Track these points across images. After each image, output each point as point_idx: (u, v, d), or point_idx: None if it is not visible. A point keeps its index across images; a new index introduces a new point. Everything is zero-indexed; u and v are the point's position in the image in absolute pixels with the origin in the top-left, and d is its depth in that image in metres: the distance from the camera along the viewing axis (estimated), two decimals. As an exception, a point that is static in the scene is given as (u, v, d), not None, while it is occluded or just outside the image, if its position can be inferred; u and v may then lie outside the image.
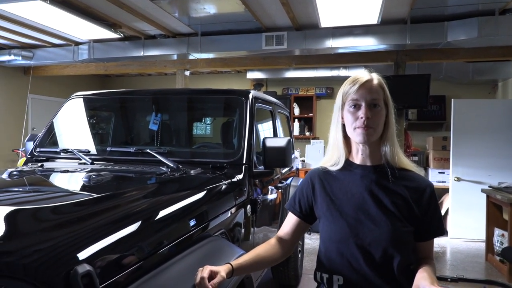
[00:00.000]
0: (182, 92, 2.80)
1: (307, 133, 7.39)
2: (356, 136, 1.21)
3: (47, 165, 2.27)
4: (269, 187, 2.75)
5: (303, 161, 6.59)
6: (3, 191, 1.42)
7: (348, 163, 1.29)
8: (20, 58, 5.93)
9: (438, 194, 6.04)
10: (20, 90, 6.72)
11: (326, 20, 4.22)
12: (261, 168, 2.33)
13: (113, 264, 1.05)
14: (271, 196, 2.74)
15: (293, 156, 3.97)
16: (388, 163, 1.23)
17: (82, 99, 2.74)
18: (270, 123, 3.07)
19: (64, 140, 2.62)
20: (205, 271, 1.11)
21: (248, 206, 2.12)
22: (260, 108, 2.68)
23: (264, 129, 3.04)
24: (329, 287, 1.23)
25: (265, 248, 1.31)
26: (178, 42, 5.32)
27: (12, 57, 5.95)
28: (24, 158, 2.59)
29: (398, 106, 4.70)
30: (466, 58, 5.15)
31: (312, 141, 6.82)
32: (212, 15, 4.55)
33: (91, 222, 1.12)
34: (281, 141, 2.25)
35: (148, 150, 2.23)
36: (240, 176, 2.12)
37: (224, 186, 1.92)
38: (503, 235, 4.22)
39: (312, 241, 5.01)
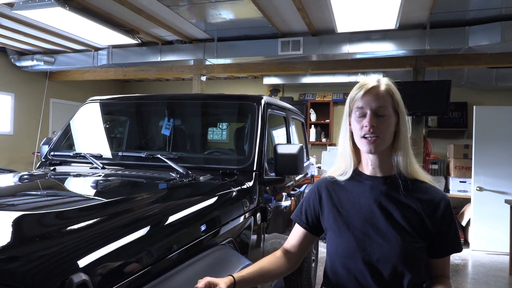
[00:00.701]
0: (194, 97, 2.79)
1: (324, 140, 7.30)
2: (362, 146, 1.15)
3: (60, 169, 2.29)
4: (282, 194, 2.70)
5: (319, 167, 6.51)
6: (9, 195, 1.43)
7: (357, 173, 1.23)
8: (42, 63, 6.09)
9: (459, 204, 5.93)
10: (42, 94, 6.90)
11: (343, 25, 4.16)
12: (272, 175, 2.28)
13: (112, 273, 1.03)
14: (283, 204, 2.69)
15: (307, 163, 3.91)
16: (401, 174, 1.16)
17: (96, 103, 2.77)
18: (284, 129, 3.02)
19: (78, 144, 2.65)
20: (201, 283, 1.06)
21: (258, 214, 2.08)
22: (273, 114, 2.64)
23: (277, 136, 2.99)
24: (335, 303, 1.17)
25: (270, 260, 1.26)
26: (195, 47, 5.35)
27: (35, 62, 6.12)
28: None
29: (416, 112, 4.55)
30: (489, 63, 4.98)
31: (328, 147, 6.73)
32: (228, 20, 4.56)
33: (91, 229, 1.10)
34: (293, 148, 2.21)
35: (158, 155, 2.22)
36: (250, 183, 2.08)
37: (233, 193, 1.89)
38: (528, 248, 4.03)
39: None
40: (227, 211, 1.74)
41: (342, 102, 7.39)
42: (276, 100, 2.83)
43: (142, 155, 2.32)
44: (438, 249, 1.15)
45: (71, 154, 2.47)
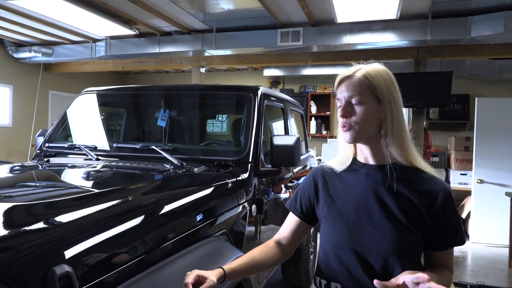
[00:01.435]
0: (190, 88, 2.75)
1: (324, 132, 7.26)
2: (340, 136, 1.15)
3: (54, 160, 2.27)
4: (279, 186, 2.67)
5: (319, 160, 6.48)
6: (-3, 186, 1.40)
7: (354, 162, 1.20)
8: (40, 55, 6.04)
9: (459, 196, 5.90)
10: (40, 86, 6.86)
11: (343, 15, 4.10)
12: (269, 167, 2.26)
13: (98, 265, 1.01)
14: (280, 196, 2.67)
15: (306, 155, 3.88)
16: (397, 163, 1.12)
17: (92, 94, 2.74)
18: (282, 121, 2.99)
19: (73, 136, 2.62)
20: (190, 277, 1.03)
21: (254, 206, 2.06)
22: (270, 105, 2.60)
23: (275, 128, 2.96)
24: (327, 294, 1.14)
25: (262, 250, 1.23)
26: (193, 38, 5.29)
27: (33, 53, 6.07)
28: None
29: (417, 104, 4.50)
30: (492, 54, 4.91)
31: (329, 140, 6.69)
32: (227, 11, 4.50)
33: (78, 220, 1.07)
34: (289, 139, 2.18)
35: (153, 147, 2.20)
36: (246, 175, 2.05)
37: (227, 185, 1.86)
38: (528, 241, 4.01)
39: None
40: (221, 203, 1.72)
41: (343, 94, 7.33)
42: (273, 91, 2.79)
43: (137, 147, 2.30)
44: (439, 242, 1.11)
45: (66, 145, 2.44)
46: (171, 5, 4.35)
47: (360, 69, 1.13)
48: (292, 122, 3.27)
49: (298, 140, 2.18)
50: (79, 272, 0.94)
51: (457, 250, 4.80)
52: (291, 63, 5.84)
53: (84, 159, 2.23)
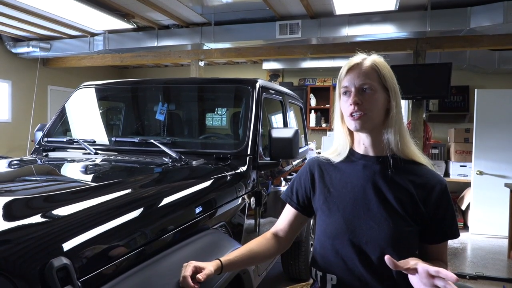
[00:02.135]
0: (189, 81, 2.75)
1: (324, 125, 7.25)
2: (349, 124, 1.12)
3: (53, 154, 2.28)
4: (279, 179, 2.68)
5: (319, 153, 6.48)
6: (-5, 180, 1.41)
7: (351, 153, 1.20)
8: (38, 49, 6.02)
9: (459, 188, 5.91)
10: (40, 81, 6.84)
11: (341, 7, 4.08)
12: (268, 159, 2.26)
13: (96, 257, 1.01)
14: (279, 189, 2.67)
15: (305, 148, 3.88)
16: (395, 154, 1.13)
17: (90, 88, 2.73)
18: (280, 114, 2.98)
19: (72, 130, 2.62)
20: (188, 269, 1.04)
21: (252, 199, 2.06)
22: (269, 98, 2.60)
23: (274, 120, 2.96)
24: (322, 286, 1.14)
25: (260, 242, 1.23)
26: (191, 32, 5.27)
27: (31, 48, 6.04)
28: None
29: (417, 96, 4.48)
30: (491, 45, 4.88)
31: (328, 132, 6.68)
32: (225, 3, 4.47)
33: (75, 213, 1.08)
34: (288, 132, 2.18)
35: (151, 140, 2.20)
36: (244, 168, 2.06)
37: (225, 178, 1.86)
38: (527, 232, 4.02)
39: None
40: (219, 195, 1.72)
41: (342, 87, 7.31)
42: (272, 84, 2.78)
43: (136, 140, 2.30)
44: (433, 235, 1.11)
45: (64, 140, 2.44)
46: (169, -2, 4.33)
47: (367, 58, 1.13)
48: (291, 115, 3.27)
49: (296, 132, 2.18)
50: (77, 264, 0.95)
51: (456, 241, 4.82)
52: (290, 56, 5.81)
53: (83, 153, 2.23)
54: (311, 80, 7.51)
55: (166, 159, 1.99)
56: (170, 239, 1.27)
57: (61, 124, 2.62)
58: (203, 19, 5.06)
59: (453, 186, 6.07)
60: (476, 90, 5.22)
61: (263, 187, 2.27)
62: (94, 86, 2.72)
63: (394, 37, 4.73)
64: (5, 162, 1.72)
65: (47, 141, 2.47)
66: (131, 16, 4.92)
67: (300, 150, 3.06)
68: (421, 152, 1.17)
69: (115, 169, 1.74)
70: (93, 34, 5.77)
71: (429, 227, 1.10)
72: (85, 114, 2.71)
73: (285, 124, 2.99)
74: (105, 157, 2.08)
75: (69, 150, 2.39)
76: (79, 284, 0.92)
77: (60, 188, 1.32)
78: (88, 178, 1.48)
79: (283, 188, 2.76)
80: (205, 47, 5.45)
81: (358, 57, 1.14)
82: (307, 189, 1.24)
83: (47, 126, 2.61)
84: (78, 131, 2.62)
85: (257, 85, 2.38)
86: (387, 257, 0.92)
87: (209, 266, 1.06)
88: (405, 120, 6.24)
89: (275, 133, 2.16)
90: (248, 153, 2.11)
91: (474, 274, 3.66)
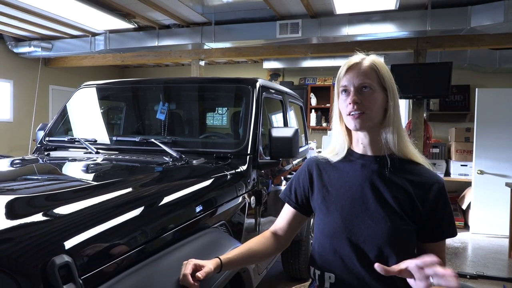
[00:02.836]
0: (189, 81, 2.76)
1: (324, 124, 7.25)
2: (348, 123, 1.13)
3: (54, 154, 2.29)
4: (279, 178, 2.69)
5: (319, 152, 6.49)
6: (-3, 179, 1.42)
7: (349, 152, 1.21)
8: (40, 49, 6.03)
9: (459, 187, 5.91)
10: (41, 81, 6.86)
11: (342, 6, 4.08)
12: (268, 159, 2.27)
13: (98, 255, 1.02)
14: (280, 188, 2.68)
15: (306, 147, 3.89)
16: (393, 154, 1.14)
17: (91, 88, 2.74)
18: (281, 113, 2.99)
19: (73, 129, 2.64)
20: (188, 267, 1.05)
21: (252, 198, 2.07)
22: (269, 97, 2.61)
23: (274, 120, 2.97)
24: (321, 284, 1.15)
25: (259, 241, 1.24)
26: (192, 31, 5.28)
27: (32, 48, 6.06)
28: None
29: (417, 95, 4.48)
30: (492, 45, 4.88)
31: (329, 132, 6.68)
32: (225, 3, 4.48)
33: (76, 211, 1.09)
34: (288, 131, 2.19)
35: (152, 140, 2.21)
36: (244, 167, 2.07)
37: (226, 177, 1.87)
38: (527, 231, 4.02)
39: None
40: (219, 194, 1.73)
41: (343, 86, 7.31)
42: (272, 84, 2.80)
43: (137, 140, 2.31)
44: (431, 234, 1.12)
45: (66, 139, 2.46)
46: (170, -2, 4.34)
47: (366, 58, 1.14)
48: (291, 114, 3.28)
49: (296, 131, 2.19)
50: (79, 262, 0.96)
51: (457, 240, 4.82)
52: (290, 55, 5.82)
53: (84, 153, 2.25)
54: (312, 79, 7.52)
55: (167, 158, 2.00)
56: (171, 237, 1.28)
57: (63, 123, 2.64)
58: (203, 18, 5.07)
59: (453, 185, 6.07)
60: (476, 89, 5.21)
61: (263, 186, 2.28)
62: (95, 85, 2.73)
63: (395, 37, 4.73)
64: (7, 161, 1.73)
65: (49, 141, 2.48)
66: (132, 16, 4.93)
67: (300, 150, 3.08)
68: (419, 151, 1.18)
69: (116, 168, 1.76)
70: (94, 34, 5.79)
71: (426, 225, 1.11)
72: (86, 113, 2.72)
73: (285, 124, 3.00)
74: (106, 156, 2.10)
75: (70, 149, 2.40)
76: (81, 281, 0.93)
77: (61, 187, 1.33)
78: (90, 177, 1.50)
79: (283, 187, 2.77)
80: (205, 47, 5.46)
81: (357, 57, 1.15)
82: (306, 188, 1.25)
83: (48, 125, 2.63)
84: (79, 130, 2.63)
85: (257, 85, 2.39)
86: (377, 265, 0.93)
87: (209, 264, 1.08)
88: (405, 119, 6.26)
89: (275, 133, 2.17)
90: (248, 152, 2.12)
91: (474, 273, 3.67)
